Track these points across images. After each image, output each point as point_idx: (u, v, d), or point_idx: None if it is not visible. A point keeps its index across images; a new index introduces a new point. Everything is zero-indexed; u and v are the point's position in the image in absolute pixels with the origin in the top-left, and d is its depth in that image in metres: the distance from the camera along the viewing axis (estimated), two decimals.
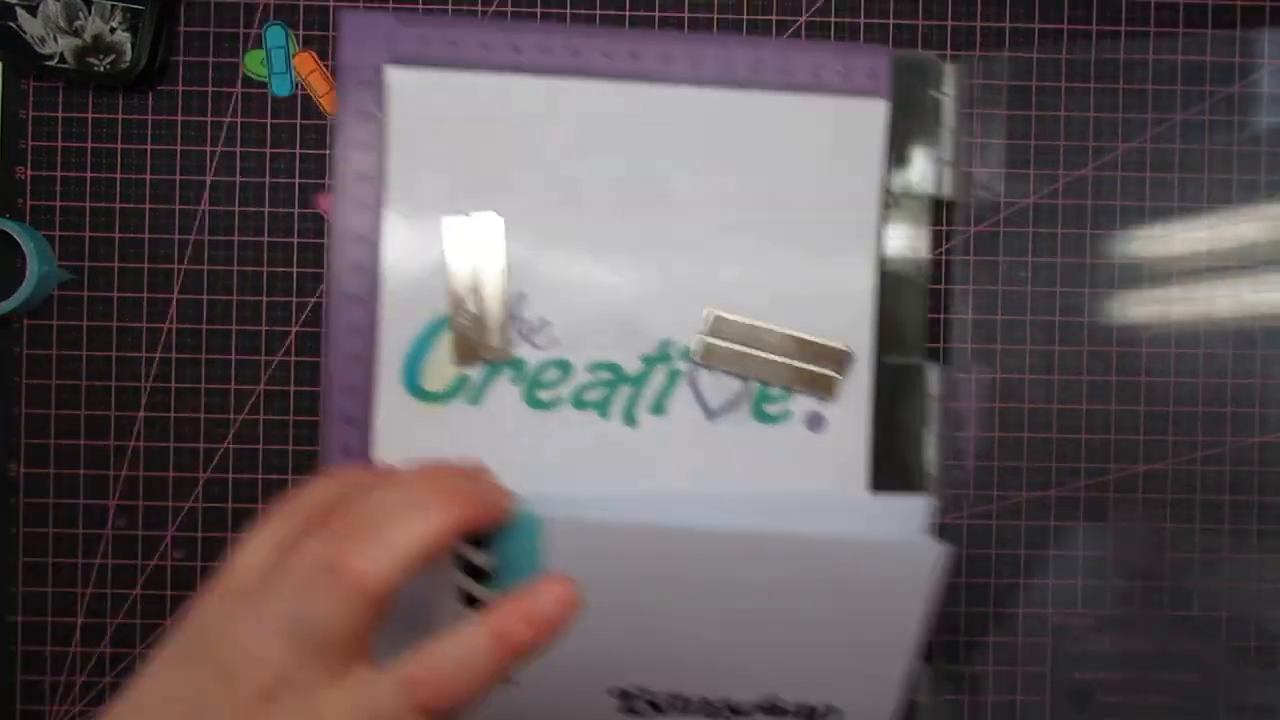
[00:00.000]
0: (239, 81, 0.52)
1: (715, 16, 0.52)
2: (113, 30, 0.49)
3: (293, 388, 0.52)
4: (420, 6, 0.51)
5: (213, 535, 0.51)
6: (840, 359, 0.49)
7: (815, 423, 0.50)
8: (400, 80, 0.49)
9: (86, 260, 0.51)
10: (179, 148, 0.52)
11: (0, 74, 0.51)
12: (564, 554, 0.41)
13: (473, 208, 0.49)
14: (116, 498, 0.51)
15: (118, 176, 0.51)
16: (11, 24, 0.49)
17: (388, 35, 0.49)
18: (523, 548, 0.41)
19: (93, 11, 0.49)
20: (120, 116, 0.52)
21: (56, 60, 0.49)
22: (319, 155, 0.52)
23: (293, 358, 0.52)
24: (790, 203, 0.49)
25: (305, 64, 0.52)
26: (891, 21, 0.52)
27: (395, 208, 0.49)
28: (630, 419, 0.49)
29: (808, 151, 0.49)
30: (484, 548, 0.41)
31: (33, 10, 0.49)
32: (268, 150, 0.52)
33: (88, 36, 0.49)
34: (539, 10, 0.51)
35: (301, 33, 0.52)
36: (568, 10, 0.52)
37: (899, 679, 0.47)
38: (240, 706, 0.34)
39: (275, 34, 0.52)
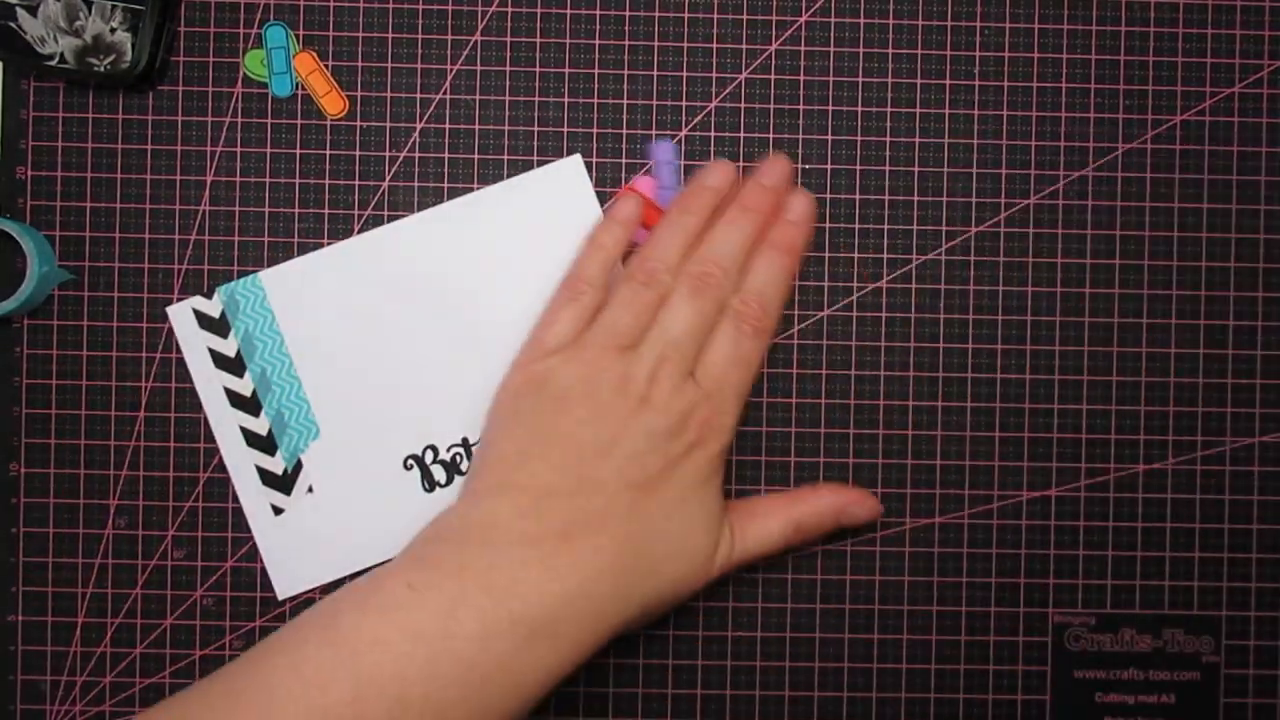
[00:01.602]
0: (239, 81, 0.52)
1: (715, 16, 0.52)
2: (113, 30, 0.49)
3: None
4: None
5: (213, 535, 0.51)
6: None
7: None
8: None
9: (86, 260, 0.51)
10: (179, 148, 0.52)
11: (0, 74, 0.51)
12: (286, 297, 0.51)
13: None
14: (116, 498, 0.51)
15: (118, 176, 0.51)
16: (11, 24, 0.49)
17: None
18: (256, 311, 0.51)
19: (93, 11, 0.49)
20: (120, 116, 0.52)
21: (56, 60, 0.49)
22: (319, 155, 0.52)
23: None
24: None
25: (305, 64, 0.52)
26: (891, 21, 0.52)
27: None
28: None
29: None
30: (226, 333, 0.51)
31: (33, 10, 0.49)
32: (268, 150, 0.52)
33: (88, 36, 0.49)
34: (539, 10, 0.52)
35: (302, 33, 0.52)
36: (568, 10, 0.52)
37: None
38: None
39: (275, 34, 0.52)
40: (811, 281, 0.52)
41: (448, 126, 0.52)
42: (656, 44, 0.52)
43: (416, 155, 0.52)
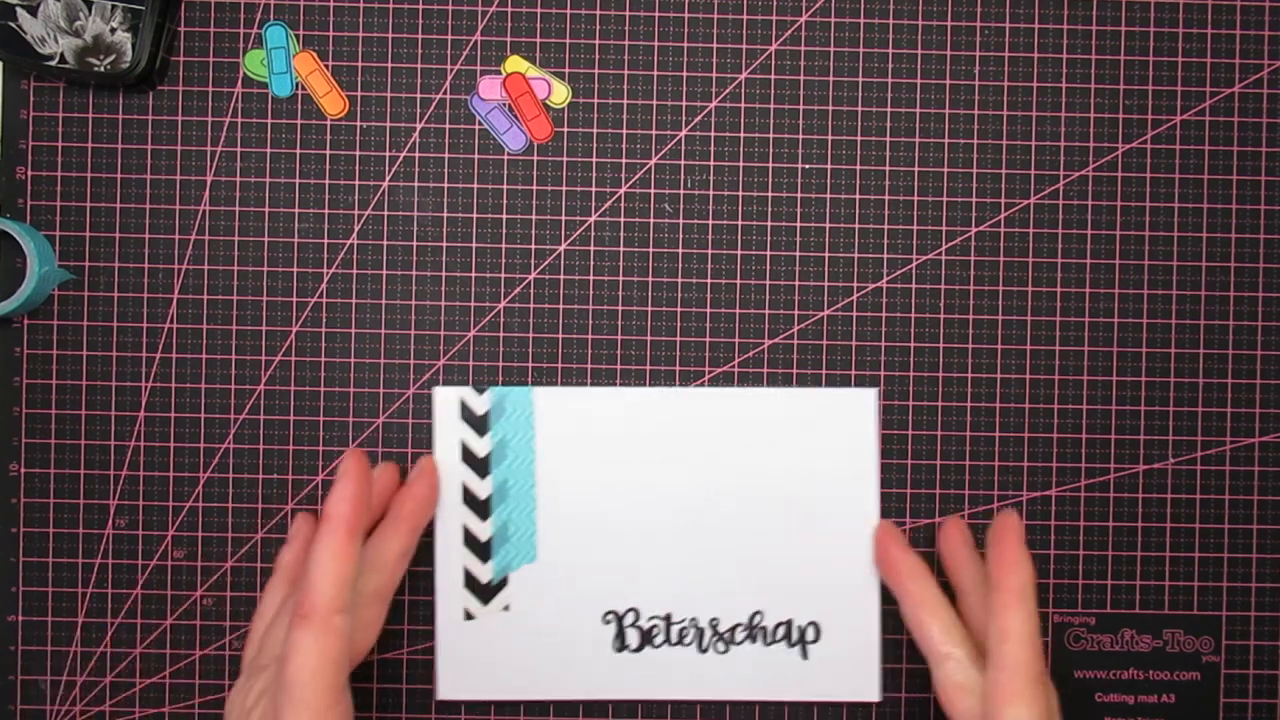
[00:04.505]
0: (239, 81, 0.52)
1: (716, 16, 0.52)
2: (113, 30, 0.49)
3: (293, 388, 0.52)
4: None
5: (213, 535, 0.51)
6: None
7: None
8: None
9: (86, 260, 0.51)
10: (179, 148, 0.52)
11: (0, 74, 0.51)
12: (551, 419, 0.51)
13: None
14: (116, 498, 0.51)
15: (118, 176, 0.51)
16: (11, 24, 0.49)
17: None
18: (518, 422, 0.51)
19: (93, 11, 0.49)
20: (120, 116, 0.52)
21: (56, 60, 0.49)
22: (319, 155, 0.52)
23: (293, 358, 0.52)
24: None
25: (305, 64, 0.52)
26: (891, 21, 0.52)
27: None
28: None
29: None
30: (484, 432, 0.51)
31: (33, 10, 0.49)
32: (268, 150, 0.52)
33: (88, 36, 0.49)
34: (539, 10, 0.52)
35: (302, 33, 0.52)
36: (568, 10, 0.52)
37: (873, 585, 0.51)
38: None
39: (275, 34, 0.52)
40: (812, 281, 0.52)
41: (448, 126, 0.52)
42: (656, 44, 0.52)
43: (416, 155, 0.52)
